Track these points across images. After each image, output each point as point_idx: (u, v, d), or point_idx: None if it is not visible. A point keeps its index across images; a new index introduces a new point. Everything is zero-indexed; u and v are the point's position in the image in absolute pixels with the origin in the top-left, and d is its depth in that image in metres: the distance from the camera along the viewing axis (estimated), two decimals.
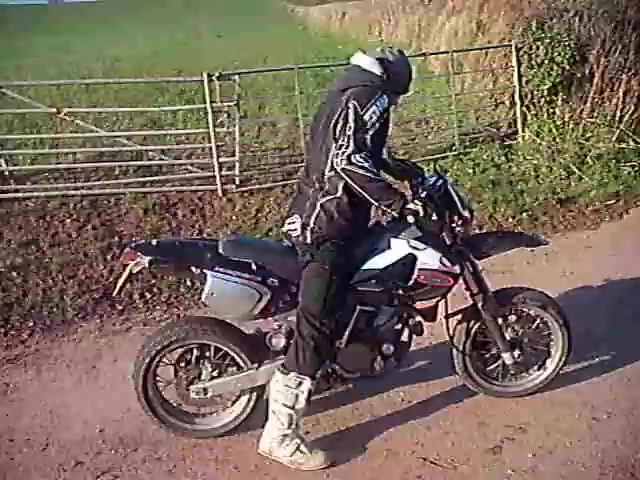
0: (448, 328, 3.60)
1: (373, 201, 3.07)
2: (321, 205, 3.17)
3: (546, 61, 7.77)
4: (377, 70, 3.18)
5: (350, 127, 3.00)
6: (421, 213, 3.08)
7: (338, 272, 3.19)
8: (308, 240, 3.19)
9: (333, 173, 3.12)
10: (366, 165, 2.98)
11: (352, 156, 2.96)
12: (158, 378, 3.47)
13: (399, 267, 3.28)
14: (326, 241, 3.18)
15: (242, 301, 3.28)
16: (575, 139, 7.68)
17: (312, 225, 3.18)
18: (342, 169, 2.99)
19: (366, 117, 3.02)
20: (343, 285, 3.24)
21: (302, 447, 3.30)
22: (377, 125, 3.06)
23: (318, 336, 3.18)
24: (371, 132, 3.04)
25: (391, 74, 3.21)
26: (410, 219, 3.09)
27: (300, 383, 3.23)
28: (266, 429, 3.34)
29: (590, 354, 4.11)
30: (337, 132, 3.05)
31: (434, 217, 3.13)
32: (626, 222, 6.58)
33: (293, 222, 3.27)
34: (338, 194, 3.15)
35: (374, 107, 3.04)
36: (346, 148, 2.98)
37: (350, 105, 3.03)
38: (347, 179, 3.02)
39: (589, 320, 4.39)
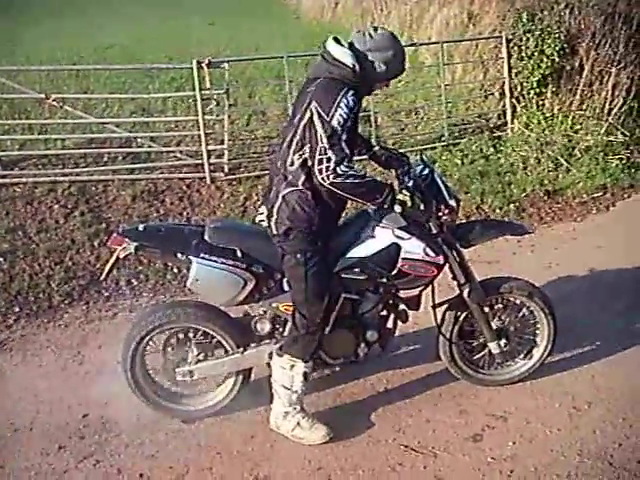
0: (436, 317, 3.63)
1: (365, 202, 3.11)
2: (283, 197, 3.13)
3: (536, 53, 7.75)
4: (348, 61, 2.99)
5: (321, 137, 2.90)
6: (409, 204, 3.10)
7: (313, 259, 3.17)
8: (274, 231, 3.18)
9: (294, 168, 3.08)
10: (352, 172, 2.94)
11: (337, 168, 2.89)
12: (146, 361, 3.51)
13: (383, 256, 3.30)
14: (292, 231, 3.15)
15: (227, 287, 3.31)
16: (564, 131, 7.69)
17: (275, 216, 3.16)
18: (331, 183, 2.92)
19: (334, 123, 2.89)
20: (324, 271, 3.23)
21: (302, 422, 3.39)
22: (348, 125, 2.94)
23: (308, 323, 3.23)
24: (344, 136, 2.92)
25: (364, 64, 3.02)
26: (397, 209, 3.10)
27: (292, 366, 3.30)
28: (273, 405, 3.44)
29: (572, 344, 4.15)
30: (305, 138, 3.00)
31: (421, 207, 3.15)
32: (612, 214, 6.61)
33: (262, 213, 3.29)
34: (299, 187, 3.10)
35: (339, 110, 2.90)
36: (328, 162, 2.89)
37: (313, 110, 2.94)
38: (337, 191, 2.97)
39: (572, 311, 4.42)
